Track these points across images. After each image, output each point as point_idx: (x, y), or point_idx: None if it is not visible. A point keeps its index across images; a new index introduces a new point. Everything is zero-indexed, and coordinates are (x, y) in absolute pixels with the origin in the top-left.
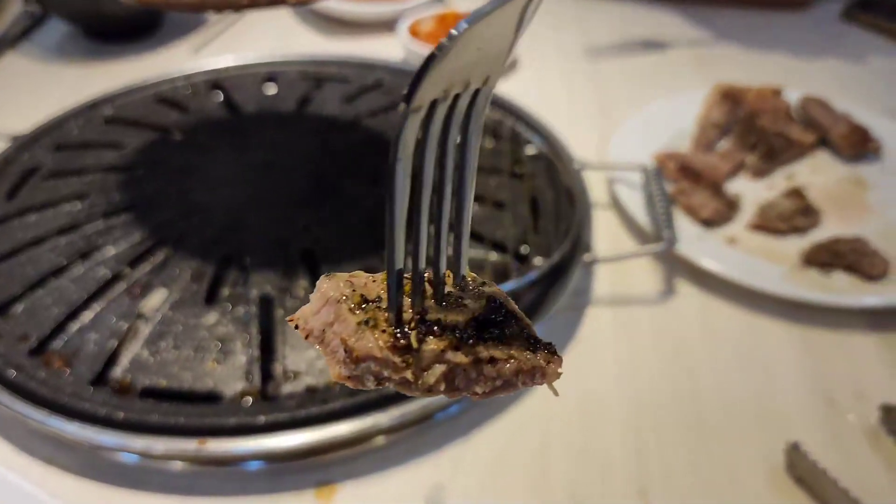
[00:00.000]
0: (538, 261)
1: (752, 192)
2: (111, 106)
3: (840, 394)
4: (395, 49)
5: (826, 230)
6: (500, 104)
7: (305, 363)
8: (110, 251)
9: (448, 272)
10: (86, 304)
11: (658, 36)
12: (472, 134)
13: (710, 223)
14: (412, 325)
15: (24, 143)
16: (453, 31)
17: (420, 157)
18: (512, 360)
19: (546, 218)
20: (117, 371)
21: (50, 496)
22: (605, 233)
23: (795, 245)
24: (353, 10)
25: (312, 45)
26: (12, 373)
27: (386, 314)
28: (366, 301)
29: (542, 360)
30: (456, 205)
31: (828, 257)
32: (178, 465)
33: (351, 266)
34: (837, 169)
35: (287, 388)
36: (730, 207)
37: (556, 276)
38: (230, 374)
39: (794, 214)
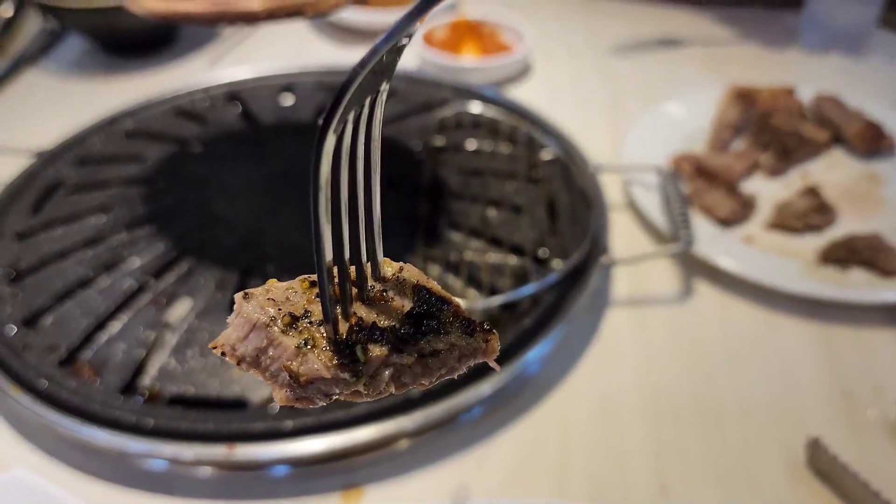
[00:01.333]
0: (556, 264)
1: (767, 191)
2: (131, 120)
3: (859, 389)
4: (409, 57)
5: (842, 227)
6: (515, 109)
7: None
8: (135, 262)
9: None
10: (113, 315)
11: (668, 36)
12: (376, 126)
13: (726, 223)
14: (353, 336)
15: (48, 159)
16: (363, 61)
17: (336, 171)
18: (454, 349)
19: (563, 221)
20: (146, 379)
21: (81, 501)
22: (622, 234)
23: (812, 243)
24: (368, 20)
25: (328, 55)
26: (43, 383)
27: (322, 331)
28: (295, 319)
29: (481, 341)
30: (367, 202)
31: (844, 254)
32: (206, 471)
33: None
34: (852, 166)
35: None
36: (746, 207)
37: (574, 278)
38: (257, 380)
39: (810, 212)
